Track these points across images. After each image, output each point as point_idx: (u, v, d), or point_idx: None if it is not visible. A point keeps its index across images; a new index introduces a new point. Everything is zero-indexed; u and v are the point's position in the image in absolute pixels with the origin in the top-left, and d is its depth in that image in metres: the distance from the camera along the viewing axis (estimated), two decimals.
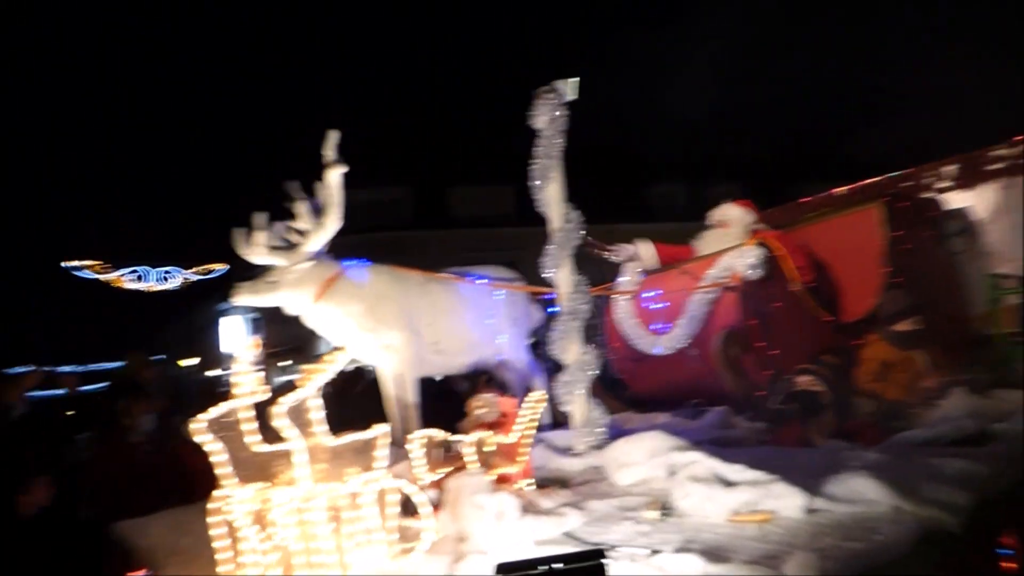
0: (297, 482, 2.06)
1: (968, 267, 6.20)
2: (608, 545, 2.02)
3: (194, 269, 23.74)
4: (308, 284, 3.85)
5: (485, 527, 2.12)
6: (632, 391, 5.73)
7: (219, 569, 2.11)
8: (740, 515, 2.20)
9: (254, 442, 2.17)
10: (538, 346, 4.98)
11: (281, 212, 4.02)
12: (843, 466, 2.48)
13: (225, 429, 2.15)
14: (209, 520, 2.13)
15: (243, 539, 2.05)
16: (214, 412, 2.12)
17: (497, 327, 4.40)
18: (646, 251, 5.45)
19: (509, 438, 2.90)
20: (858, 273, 5.50)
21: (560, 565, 1.12)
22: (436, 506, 2.61)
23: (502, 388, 4.46)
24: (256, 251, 3.81)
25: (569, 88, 4.10)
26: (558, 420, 4.36)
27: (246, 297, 3.90)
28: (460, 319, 4.24)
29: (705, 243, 5.26)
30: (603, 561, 1.15)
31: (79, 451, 5.59)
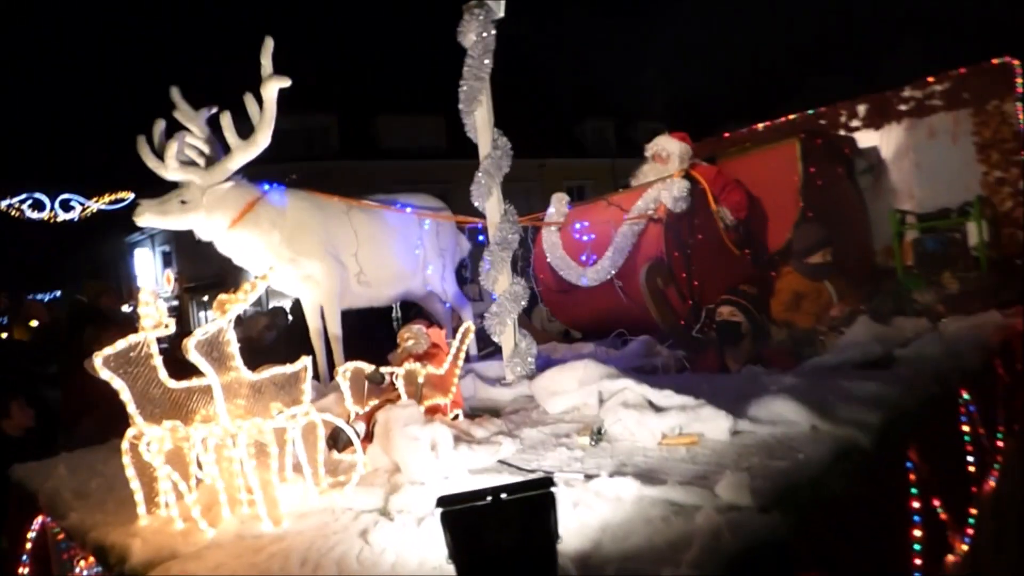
0: (216, 419, 1.93)
1: (874, 203, 6.58)
2: (545, 471, 2.02)
3: (97, 198, 21.91)
4: (225, 208, 3.55)
5: (419, 458, 2.07)
6: (558, 321, 5.81)
7: (138, 511, 1.98)
8: (669, 438, 2.25)
9: (164, 379, 2.01)
10: (464, 276, 4.91)
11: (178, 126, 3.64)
12: (763, 390, 2.57)
13: (132, 364, 1.97)
14: (123, 461, 1.97)
15: (159, 479, 1.91)
16: (117, 346, 1.93)
17: (424, 257, 4.27)
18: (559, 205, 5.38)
19: (440, 369, 2.84)
20: (776, 207, 5.71)
21: (506, 496, 1.08)
22: (365, 438, 2.55)
23: (428, 319, 4.39)
24: (170, 165, 3.46)
25: (498, 5, 3.88)
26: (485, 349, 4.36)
27: (152, 217, 3.54)
28: (386, 248, 4.08)
29: (643, 176, 5.25)
30: (552, 489, 1.11)
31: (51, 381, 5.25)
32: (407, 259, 4.20)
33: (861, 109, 6.79)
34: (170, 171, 3.48)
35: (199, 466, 1.94)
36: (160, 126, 3.56)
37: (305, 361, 2.17)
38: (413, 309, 5.07)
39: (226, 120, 3.50)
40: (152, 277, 26.10)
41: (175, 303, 23.51)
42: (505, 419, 2.86)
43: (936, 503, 2.31)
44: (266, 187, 3.78)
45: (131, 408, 1.94)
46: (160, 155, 3.49)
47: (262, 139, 3.50)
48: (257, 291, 2.01)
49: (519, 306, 3.73)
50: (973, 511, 2.79)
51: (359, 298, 4.10)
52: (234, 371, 1.93)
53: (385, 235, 4.10)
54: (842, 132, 6.82)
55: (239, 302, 1.95)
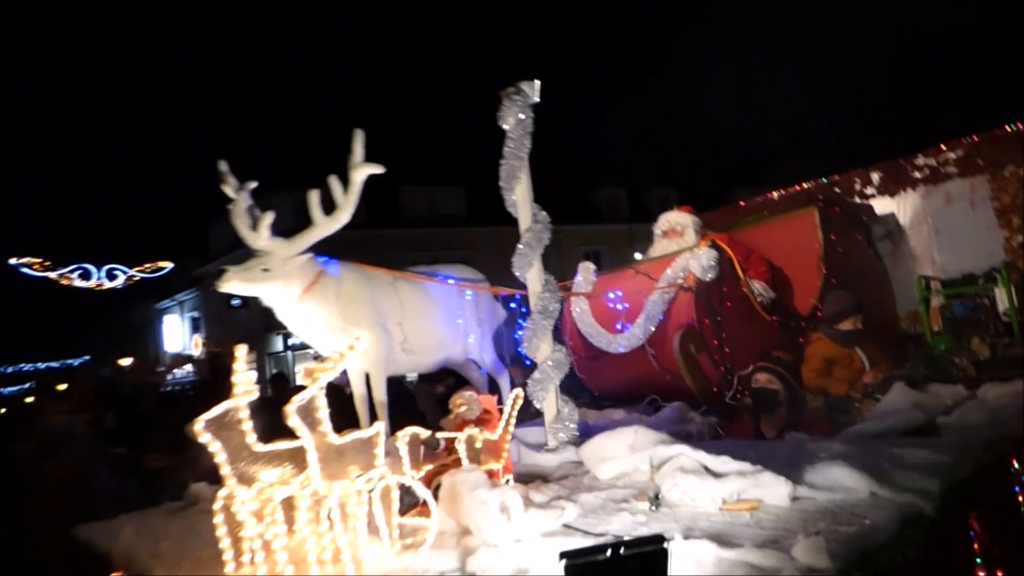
0: (310, 480, 2.02)
1: (894, 269, 6.70)
2: (614, 535, 2.07)
3: (139, 268, 22.78)
4: (300, 278, 3.68)
5: (491, 521, 2.14)
6: (589, 388, 5.85)
7: (227, 570, 2.04)
8: (729, 504, 2.30)
9: (253, 442, 2.12)
10: (501, 344, 5.02)
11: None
12: (813, 456, 2.63)
13: (225, 428, 2.08)
14: (215, 520, 2.06)
15: (247, 538, 1.99)
16: (214, 412, 2.05)
17: (465, 326, 4.40)
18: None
19: (494, 435, 2.92)
20: (798, 274, 5.83)
21: (624, 551, 1.16)
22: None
23: (466, 386, 4.48)
24: (262, 235, 3.62)
25: (534, 89, 4.15)
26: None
27: (235, 284, 3.64)
28: (429, 318, 4.22)
29: (660, 251, 5.43)
30: (665, 546, 1.20)
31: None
32: (449, 328, 4.33)
33: (875, 177, 6.98)
34: (261, 240, 3.64)
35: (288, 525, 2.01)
36: (246, 200, 3.74)
37: (379, 426, 2.26)
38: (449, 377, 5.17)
39: (313, 198, 3.70)
40: (180, 342, 26.53)
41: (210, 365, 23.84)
42: (557, 484, 2.91)
43: (999, 574, 2.32)
44: (323, 260, 3.96)
45: (224, 470, 2.04)
46: (254, 225, 3.68)
47: (344, 216, 3.69)
48: (344, 362, 2.13)
49: (562, 373, 3.83)
50: None
51: (402, 365, 4.21)
52: (325, 435, 2.04)
53: (429, 305, 4.24)
54: (857, 199, 7.01)
55: (328, 371, 2.07)
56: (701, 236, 5.44)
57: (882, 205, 6.90)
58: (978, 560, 2.15)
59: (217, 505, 2.08)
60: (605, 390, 5.75)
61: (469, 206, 21.66)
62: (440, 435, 2.90)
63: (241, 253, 3.83)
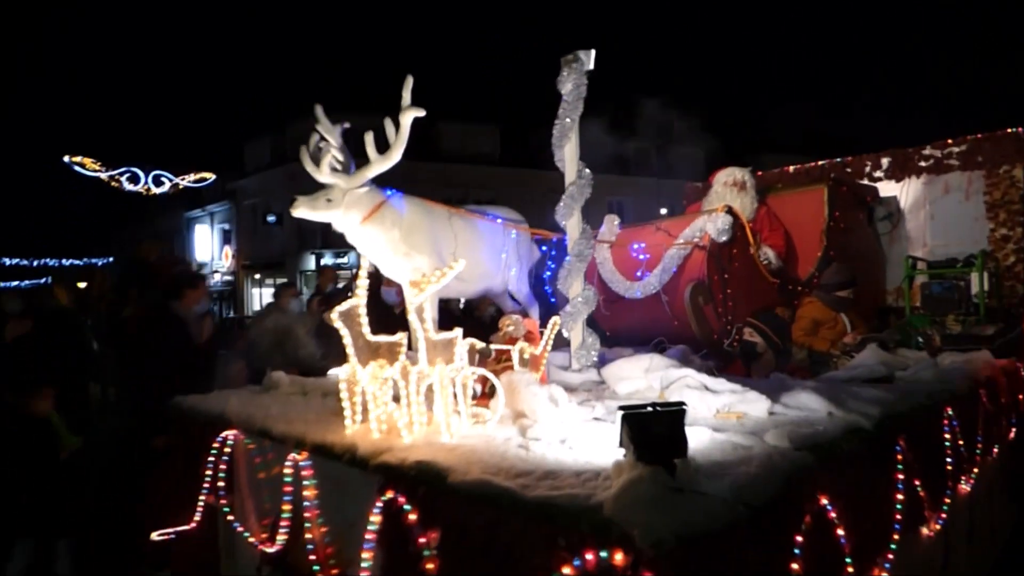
0: (408, 365, 2.75)
1: (889, 248, 7.35)
2: None
3: (184, 176, 23.33)
4: (359, 207, 4.29)
5: (544, 407, 2.87)
6: (603, 329, 6.58)
7: (346, 423, 2.80)
8: (722, 412, 3.03)
9: (367, 333, 2.84)
10: (531, 281, 5.71)
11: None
12: (790, 388, 3.35)
13: (350, 319, 2.79)
14: (341, 390, 2.80)
15: (372, 401, 2.73)
16: (344, 305, 2.76)
17: (507, 261, 5.08)
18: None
19: (537, 349, 3.64)
20: (802, 244, 6.50)
21: (659, 408, 1.87)
22: (483, 396, 3.34)
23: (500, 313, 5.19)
24: (323, 171, 4.25)
25: (590, 58, 4.69)
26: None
27: (304, 211, 4.30)
28: (477, 251, 4.88)
29: (716, 198, 6.13)
30: (683, 408, 1.91)
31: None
32: (493, 262, 5.00)
33: (884, 162, 7.57)
34: (323, 175, 4.26)
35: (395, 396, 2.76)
36: (315, 138, 4.37)
37: (459, 331, 2.97)
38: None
39: (369, 138, 4.28)
40: (210, 252, 27.29)
41: (230, 278, 24.67)
42: (584, 393, 3.65)
43: (916, 482, 3.08)
44: (389, 192, 4.59)
45: (349, 350, 2.76)
46: (316, 161, 4.30)
47: (396, 155, 4.26)
48: (447, 278, 2.82)
49: (590, 308, 4.53)
50: (947, 501, 3.55)
51: (452, 290, 4.90)
52: (427, 332, 2.75)
53: (478, 240, 4.90)
54: (866, 181, 7.60)
55: (432, 283, 2.76)
56: (757, 193, 6.16)
57: (887, 188, 7.51)
58: (899, 466, 2.89)
59: (343, 376, 2.81)
60: (617, 332, 6.47)
61: (503, 147, 21.92)
62: (493, 346, 3.62)
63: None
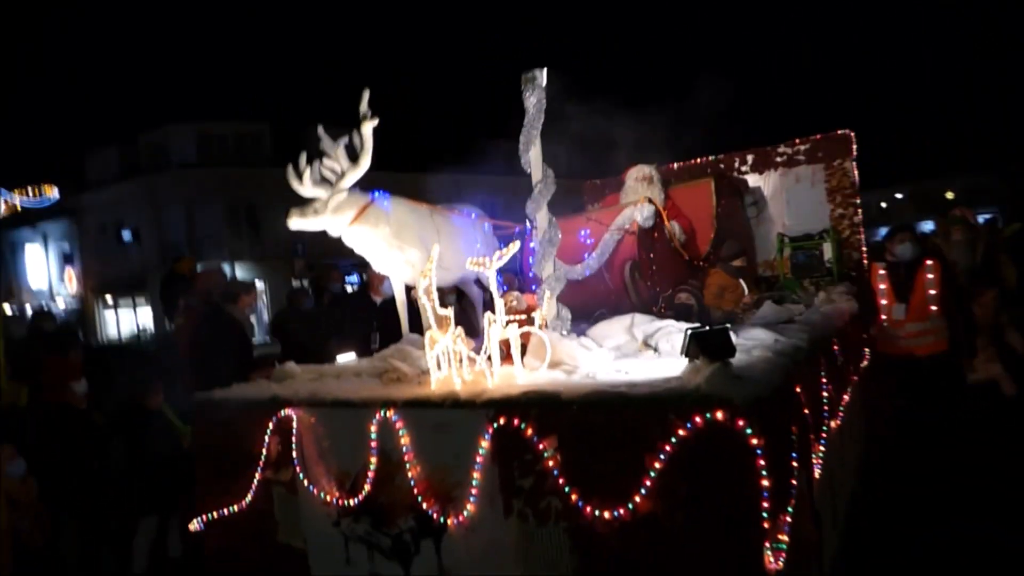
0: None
1: (757, 228, 8.98)
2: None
3: (21, 192, 20.61)
4: (346, 211, 4.82)
5: (581, 352, 3.71)
6: None
7: (431, 376, 3.47)
8: None
9: (437, 307, 3.55)
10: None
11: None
12: (741, 328, 4.46)
13: (428, 294, 3.48)
14: (427, 350, 3.47)
15: (452, 355, 3.43)
16: (425, 281, 3.44)
17: (480, 251, 5.82)
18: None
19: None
20: (698, 227, 7.85)
21: (711, 328, 2.80)
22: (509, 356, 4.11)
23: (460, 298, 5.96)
24: (306, 184, 4.74)
25: (543, 76, 5.58)
26: None
27: (297, 221, 4.79)
28: (456, 243, 5.59)
29: (631, 191, 7.24)
30: (727, 327, 2.86)
31: None
32: (468, 252, 5.73)
33: (749, 158, 9.21)
34: (305, 189, 4.76)
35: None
36: (303, 157, 4.82)
37: (450, 309, 3.74)
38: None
39: (340, 151, 4.78)
40: (46, 277, 24.58)
41: (75, 304, 22.52)
42: None
43: (828, 386, 4.31)
44: (375, 194, 5.16)
45: (430, 320, 3.45)
46: (300, 176, 4.76)
47: (364, 162, 4.77)
48: (434, 263, 3.61)
49: (560, 286, 5.41)
50: (843, 404, 4.87)
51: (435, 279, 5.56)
52: (434, 307, 3.53)
53: (455, 233, 5.61)
54: (735, 174, 9.19)
55: (431, 269, 3.54)
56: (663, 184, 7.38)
57: (752, 180, 9.15)
58: (822, 373, 4.10)
59: (427, 339, 3.48)
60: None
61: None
62: (507, 317, 4.40)
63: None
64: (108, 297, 23.54)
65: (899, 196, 49.48)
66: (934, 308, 6.57)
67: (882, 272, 6.96)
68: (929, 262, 6.73)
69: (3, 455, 4.05)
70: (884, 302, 6.85)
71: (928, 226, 22.20)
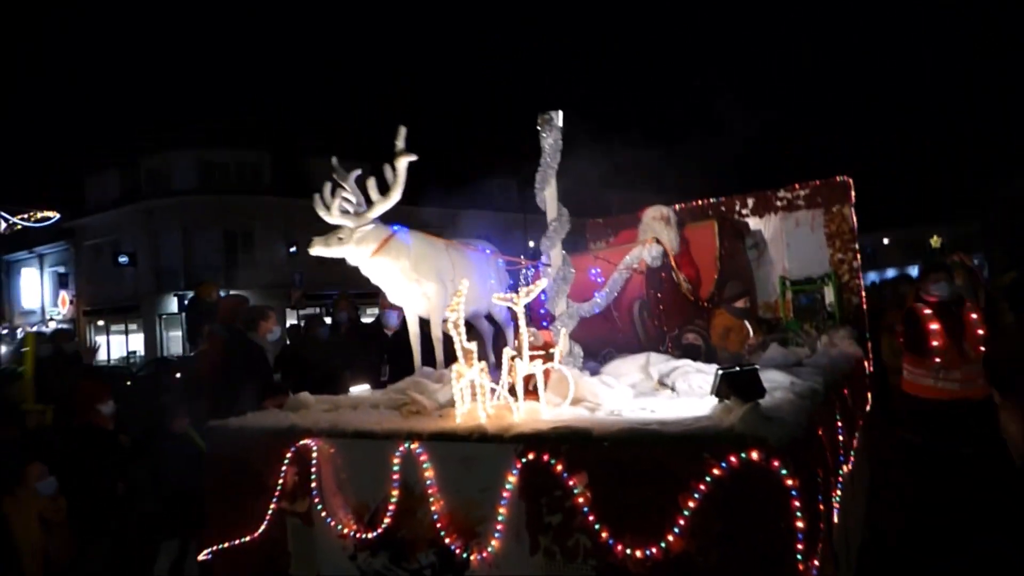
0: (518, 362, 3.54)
1: (757, 271, 9.13)
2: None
3: (22, 215, 20.64)
4: (369, 242, 4.93)
5: (604, 391, 3.75)
6: None
7: (456, 409, 3.49)
8: None
9: (464, 341, 3.59)
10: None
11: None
12: None
13: (455, 327, 3.52)
14: (454, 383, 3.50)
15: (478, 389, 3.47)
16: (452, 313, 3.48)
17: (493, 286, 5.89)
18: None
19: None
20: (702, 268, 7.98)
21: (740, 369, 2.86)
22: (533, 391, 4.15)
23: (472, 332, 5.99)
24: (333, 213, 4.83)
25: (559, 117, 5.73)
26: None
27: (320, 249, 4.88)
28: (470, 277, 5.61)
29: (648, 229, 7.33)
30: (756, 367, 2.92)
31: None
32: (483, 286, 5.80)
33: (750, 201, 9.41)
34: (333, 217, 4.85)
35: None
36: (327, 187, 4.92)
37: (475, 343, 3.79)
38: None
39: (371, 182, 4.93)
40: (39, 299, 24.39)
41: (67, 326, 22.31)
42: None
43: (841, 427, 4.37)
44: (396, 228, 5.25)
45: (458, 351, 3.49)
46: (327, 206, 4.86)
47: (395, 195, 4.94)
48: (461, 297, 3.66)
49: (573, 323, 5.47)
50: (854, 446, 4.92)
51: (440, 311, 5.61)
52: (461, 340, 3.58)
53: (470, 268, 5.68)
54: (736, 217, 9.38)
55: (459, 305, 3.59)
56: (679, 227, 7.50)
57: (753, 223, 9.34)
58: (836, 416, 4.16)
59: (454, 372, 3.52)
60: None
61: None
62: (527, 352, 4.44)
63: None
64: (100, 321, 23.35)
65: (886, 241, 50.35)
66: (982, 349, 6.43)
67: (928, 312, 6.43)
68: (969, 303, 6.49)
69: (34, 473, 4.06)
70: (936, 343, 6.35)
71: (914, 271, 22.65)
